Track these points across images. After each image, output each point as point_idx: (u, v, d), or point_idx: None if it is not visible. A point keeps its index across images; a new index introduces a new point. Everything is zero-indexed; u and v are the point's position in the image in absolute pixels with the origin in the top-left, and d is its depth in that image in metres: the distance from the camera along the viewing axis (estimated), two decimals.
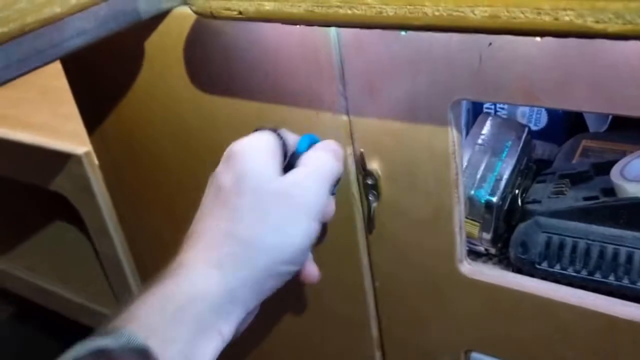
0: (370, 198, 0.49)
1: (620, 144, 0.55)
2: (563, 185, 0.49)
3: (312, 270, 0.46)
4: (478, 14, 0.32)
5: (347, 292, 0.57)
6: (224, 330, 0.39)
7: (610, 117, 0.59)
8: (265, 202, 0.41)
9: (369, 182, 0.48)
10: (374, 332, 0.58)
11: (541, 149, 0.61)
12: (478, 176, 0.48)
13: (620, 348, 0.43)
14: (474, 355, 0.52)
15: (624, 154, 0.51)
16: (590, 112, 0.36)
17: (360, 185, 0.49)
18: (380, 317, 0.57)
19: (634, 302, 0.43)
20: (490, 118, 0.50)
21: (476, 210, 0.48)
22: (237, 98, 0.51)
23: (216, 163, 0.50)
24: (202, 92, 0.53)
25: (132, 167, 0.66)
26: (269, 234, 0.40)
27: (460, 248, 0.48)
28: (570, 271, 0.45)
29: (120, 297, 0.85)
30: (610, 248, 0.44)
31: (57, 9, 0.40)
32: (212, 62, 0.51)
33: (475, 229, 0.48)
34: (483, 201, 0.47)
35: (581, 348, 0.45)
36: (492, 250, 0.51)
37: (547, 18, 0.30)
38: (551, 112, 0.61)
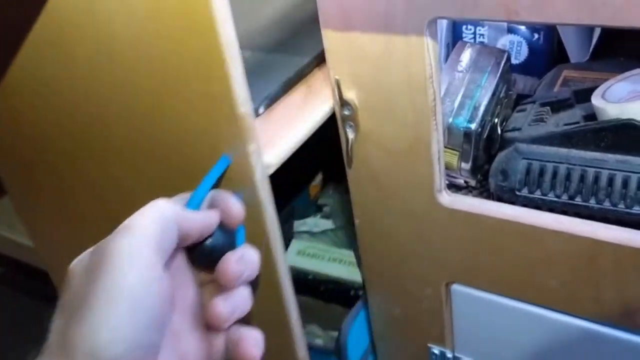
0: (347, 130, 0.48)
1: (602, 72, 0.53)
2: (543, 113, 0.48)
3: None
4: None
5: None
6: None
7: (592, 46, 0.57)
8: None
9: (346, 112, 0.47)
10: None
11: (522, 82, 0.60)
12: (456, 104, 0.46)
13: (603, 271, 0.43)
14: (455, 287, 0.52)
15: (605, 81, 0.50)
16: (572, 24, 0.35)
17: (337, 117, 0.48)
18: (361, 254, 0.56)
19: (615, 225, 0.42)
20: (468, 44, 0.48)
21: (455, 138, 0.47)
22: None
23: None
24: None
25: None
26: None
27: (439, 178, 0.47)
28: (551, 196, 0.44)
29: None
30: (591, 171, 0.43)
31: None
32: None
33: (454, 159, 0.47)
34: (461, 129, 0.46)
35: (564, 274, 0.45)
36: (472, 182, 0.51)
37: None
38: (532, 45, 0.59)
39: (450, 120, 0.46)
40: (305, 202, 0.76)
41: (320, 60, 0.48)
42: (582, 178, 0.43)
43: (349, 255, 0.64)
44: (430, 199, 0.48)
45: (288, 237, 0.68)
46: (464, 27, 0.60)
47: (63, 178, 0.57)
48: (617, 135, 0.42)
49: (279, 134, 0.46)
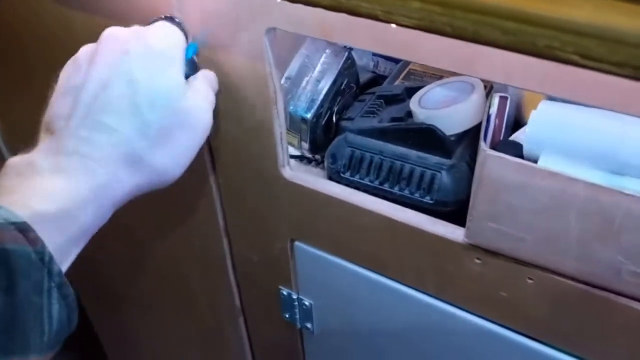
0: None
1: (440, 70, 0.62)
2: (377, 106, 0.56)
3: None
4: None
5: (196, 188, 0.64)
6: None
7: None
8: (169, 123, 0.44)
9: None
10: (221, 222, 0.66)
11: (384, 65, 0.68)
12: (298, 94, 0.54)
13: (398, 243, 0.53)
14: (297, 243, 0.61)
15: (439, 79, 0.59)
16: (370, 50, 0.42)
17: None
18: (224, 209, 0.65)
19: (410, 209, 0.52)
20: (318, 43, 0.55)
21: (295, 124, 0.55)
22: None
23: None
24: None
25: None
26: (166, 156, 0.45)
27: (282, 155, 0.55)
28: (366, 181, 0.53)
29: None
30: (397, 164, 0.52)
31: None
32: None
33: (295, 140, 0.55)
34: (298, 117, 0.54)
35: (372, 241, 0.55)
36: (317, 157, 0.59)
37: None
38: None
39: (291, 108, 0.54)
40: None
41: None
42: (391, 168, 0.52)
43: None
44: (275, 172, 0.56)
45: None
46: None
47: None
48: (420, 136, 0.51)
49: None
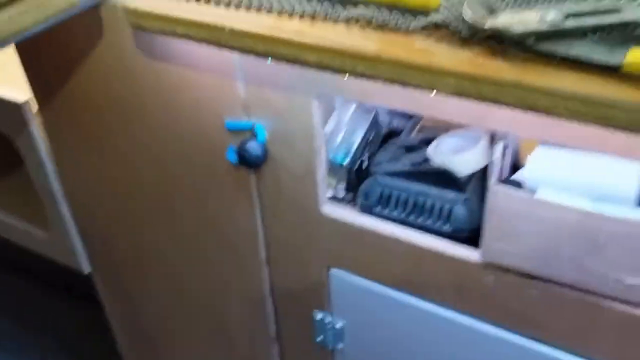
0: None
1: (448, 123, 0.74)
2: (399, 153, 0.68)
3: None
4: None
5: (242, 225, 0.75)
6: None
7: None
8: None
9: None
10: (263, 254, 0.77)
11: (396, 121, 0.80)
12: (336, 145, 0.66)
13: (424, 264, 0.64)
14: (333, 270, 0.72)
15: (447, 130, 0.71)
16: (402, 109, 0.54)
17: None
18: (267, 243, 0.76)
19: (432, 236, 0.63)
20: (351, 104, 0.68)
21: (334, 169, 0.66)
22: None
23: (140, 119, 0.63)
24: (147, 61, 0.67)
25: (70, 118, 0.80)
26: None
27: (322, 195, 0.66)
28: (394, 214, 0.64)
29: (54, 221, 0.99)
30: (420, 199, 0.63)
31: None
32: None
33: (334, 182, 0.67)
34: (337, 164, 0.65)
35: (402, 265, 0.66)
36: (350, 197, 0.70)
37: None
38: None
39: (330, 156, 0.66)
40: None
41: None
42: (415, 203, 0.63)
43: None
44: (315, 209, 0.67)
45: None
46: None
47: None
48: (438, 177, 0.63)
49: None
